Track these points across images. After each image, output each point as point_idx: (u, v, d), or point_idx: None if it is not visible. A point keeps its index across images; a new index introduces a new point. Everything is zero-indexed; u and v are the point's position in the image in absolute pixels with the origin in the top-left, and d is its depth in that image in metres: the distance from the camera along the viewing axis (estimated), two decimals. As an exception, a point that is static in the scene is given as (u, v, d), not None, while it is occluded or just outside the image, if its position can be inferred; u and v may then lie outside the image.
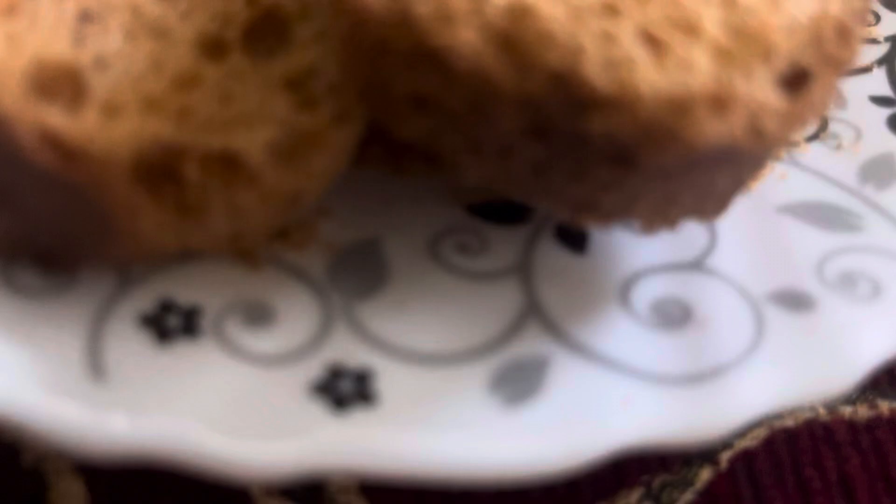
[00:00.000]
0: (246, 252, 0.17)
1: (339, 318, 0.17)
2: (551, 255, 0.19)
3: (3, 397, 0.14)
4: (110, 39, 0.15)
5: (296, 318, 0.16)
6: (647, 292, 0.18)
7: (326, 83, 0.17)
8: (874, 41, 0.24)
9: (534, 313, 0.17)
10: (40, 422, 0.14)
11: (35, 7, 0.15)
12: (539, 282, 0.18)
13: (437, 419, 0.15)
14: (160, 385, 0.15)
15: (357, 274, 0.18)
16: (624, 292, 0.18)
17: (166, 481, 0.18)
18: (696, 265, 0.18)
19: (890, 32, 0.24)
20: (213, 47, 0.16)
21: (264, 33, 0.17)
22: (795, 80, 0.15)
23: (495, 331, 0.17)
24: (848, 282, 0.18)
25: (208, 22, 0.17)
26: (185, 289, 0.17)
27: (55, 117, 0.14)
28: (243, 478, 0.14)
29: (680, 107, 0.14)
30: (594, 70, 0.14)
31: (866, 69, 0.23)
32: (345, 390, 0.15)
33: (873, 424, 0.21)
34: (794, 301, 0.18)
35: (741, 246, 0.19)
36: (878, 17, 0.25)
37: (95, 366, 0.15)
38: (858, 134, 0.21)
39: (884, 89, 0.23)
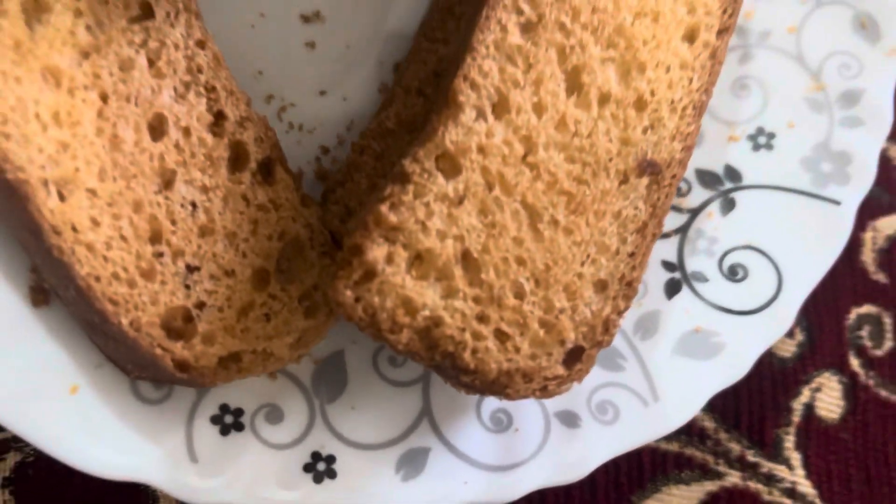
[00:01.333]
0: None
1: (318, 417, 0.30)
2: (443, 369, 0.32)
3: (145, 474, 0.27)
4: (205, 284, 0.27)
5: (294, 418, 0.30)
6: (492, 403, 0.32)
7: (323, 292, 0.29)
8: (679, 210, 0.36)
9: (427, 415, 0.31)
10: (170, 486, 0.27)
11: (161, 267, 0.26)
12: (434, 391, 0.31)
13: (367, 488, 0.29)
14: (224, 464, 0.28)
15: (329, 381, 0.31)
16: (479, 402, 0.32)
17: None
18: (524, 386, 0.32)
19: (694, 205, 0.36)
20: (260, 279, 0.28)
21: (289, 258, 0.28)
22: (574, 355, 0.28)
23: (403, 427, 0.31)
24: (602, 409, 0.32)
25: (257, 258, 0.28)
26: (233, 395, 0.29)
27: (179, 350, 0.26)
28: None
29: (508, 377, 0.27)
30: (469, 355, 0.26)
31: (667, 235, 0.35)
32: (320, 469, 0.29)
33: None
34: (569, 420, 0.32)
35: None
36: (689, 188, 0.36)
37: (191, 453, 0.28)
38: (646, 290, 0.34)
39: (672, 255, 0.35)
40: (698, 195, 0.36)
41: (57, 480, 0.30)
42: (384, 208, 0.26)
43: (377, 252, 0.26)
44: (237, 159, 0.28)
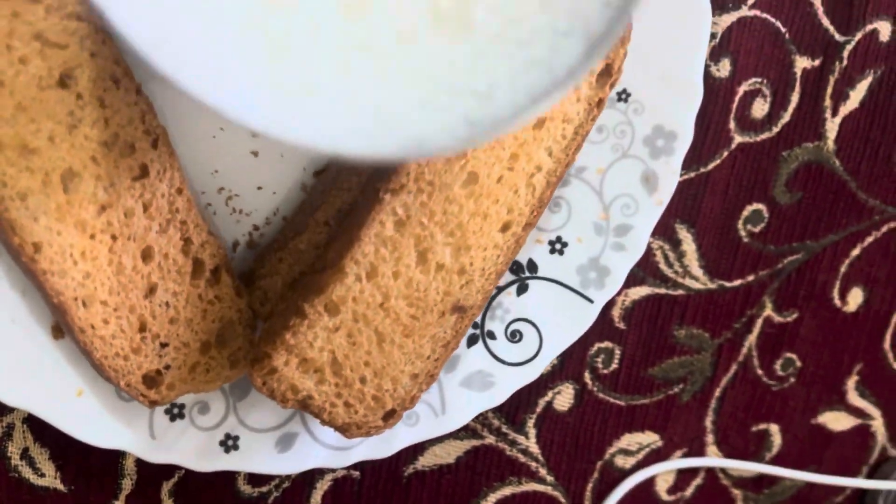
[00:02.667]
0: (202, 380, 0.47)
1: (231, 411, 0.48)
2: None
3: (123, 444, 0.45)
4: (171, 354, 0.43)
5: (216, 410, 0.48)
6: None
7: (244, 353, 0.45)
8: (491, 288, 0.53)
9: (299, 413, 0.50)
10: (138, 451, 0.46)
11: (144, 347, 0.42)
12: (306, 395, 0.50)
13: (256, 457, 0.48)
14: (171, 439, 0.47)
15: (240, 388, 0.48)
16: (334, 405, 0.50)
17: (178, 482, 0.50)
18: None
19: (502, 284, 0.53)
20: (205, 347, 0.44)
21: (224, 331, 0.45)
22: (390, 415, 0.46)
23: (283, 419, 0.49)
24: (409, 416, 0.51)
25: (204, 335, 0.44)
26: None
27: (152, 395, 0.43)
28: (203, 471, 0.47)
29: (348, 426, 0.45)
30: (326, 414, 0.44)
31: (478, 305, 0.53)
32: (230, 444, 0.48)
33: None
34: None
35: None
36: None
37: (151, 432, 0.46)
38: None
39: (478, 318, 0.53)
40: (506, 278, 0.53)
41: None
42: (288, 335, 0.42)
43: (279, 360, 0.42)
44: (196, 270, 0.43)
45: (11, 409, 0.48)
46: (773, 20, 0.56)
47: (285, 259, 0.45)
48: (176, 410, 0.47)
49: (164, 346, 0.43)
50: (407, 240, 0.43)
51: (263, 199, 0.48)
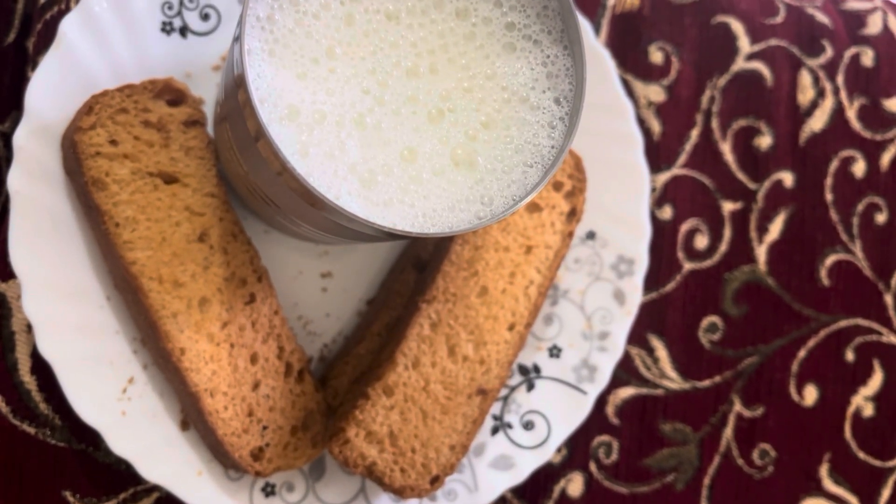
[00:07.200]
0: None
1: (310, 489, 0.63)
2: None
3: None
4: (269, 434, 0.59)
5: (299, 489, 0.63)
6: (395, 486, 0.65)
7: (322, 435, 0.61)
8: (506, 386, 0.69)
9: (362, 491, 0.64)
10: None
11: (251, 428, 0.58)
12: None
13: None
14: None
15: (316, 469, 0.64)
16: (389, 485, 0.65)
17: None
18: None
19: (514, 384, 0.69)
20: (293, 430, 0.60)
21: (306, 418, 0.61)
22: (435, 480, 0.61)
23: (352, 494, 0.64)
24: (448, 493, 0.66)
25: (293, 420, 0.60)
26: (272, 478, 0.62)
27: (256, 466, 0.58)
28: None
29: (403, 489, 0.60)
30: (386, 478, 0.59)
31: (498, 399, 0.69)
32: (268, 491, 0.63)
33: None
34: (432, 498, 0.65)
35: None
36: (513, 374, 0.70)
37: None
38: (481, 430, 0.68)
39: (498, 412, 0.69)
40: (517, 378, 0.69)
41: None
42: (357, 412, 0.58)
43: (351, 432, 0.58)
44: (288, 371, 0.60)
45: (147, 495, 0.62)
46: (698, 176, 0.77)
47: (350, 362, 0.63)
48: (269, 489, 0.62)
49: (265, 428, 0.59)
50: (440, 337, 0.60)
51: (330, 323, 0.65)
